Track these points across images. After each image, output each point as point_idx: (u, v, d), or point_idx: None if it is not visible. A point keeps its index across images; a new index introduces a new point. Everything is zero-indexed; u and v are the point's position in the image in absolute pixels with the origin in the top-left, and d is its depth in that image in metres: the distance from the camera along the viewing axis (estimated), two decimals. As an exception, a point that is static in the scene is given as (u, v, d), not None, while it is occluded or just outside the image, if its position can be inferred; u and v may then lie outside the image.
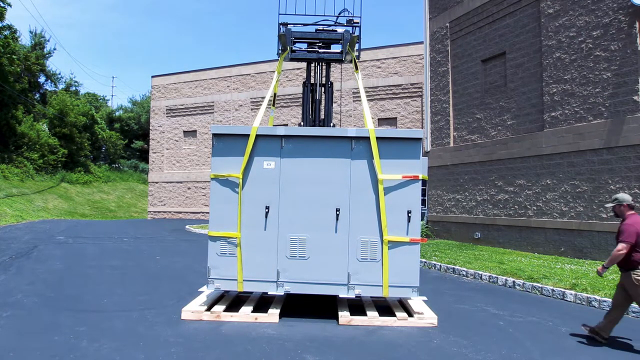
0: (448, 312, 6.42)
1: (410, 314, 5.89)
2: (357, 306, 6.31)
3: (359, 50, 7.37)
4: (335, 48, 7.15)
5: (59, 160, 33.95)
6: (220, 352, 4.59)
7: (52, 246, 12.86)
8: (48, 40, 41.18)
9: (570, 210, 11.32)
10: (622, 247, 4.85)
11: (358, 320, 5.68)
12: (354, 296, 5.89)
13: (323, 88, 7.41)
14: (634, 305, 6.44)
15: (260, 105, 26.23)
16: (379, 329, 5.51)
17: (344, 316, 5.73)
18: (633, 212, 5.10)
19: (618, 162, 10.31)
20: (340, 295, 5.88)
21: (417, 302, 6.22)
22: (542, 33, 12.16)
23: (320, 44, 7.12)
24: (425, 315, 5.76)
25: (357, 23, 7.12)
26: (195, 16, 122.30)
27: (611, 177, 10.43)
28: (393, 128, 21.89)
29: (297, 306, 6.47)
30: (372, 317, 5.72)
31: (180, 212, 28.56)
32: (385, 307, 6.24)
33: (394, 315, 5.81)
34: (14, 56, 30.05)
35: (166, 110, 29.21)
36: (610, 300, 6.76)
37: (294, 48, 7.01)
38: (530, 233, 12.32)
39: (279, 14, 7.09)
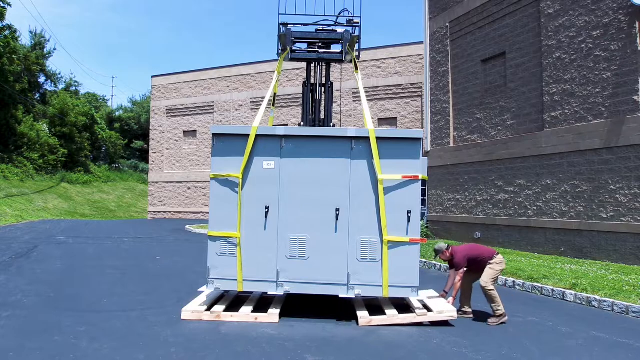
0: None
1: (429, 310, 5.85)
2: (372, 306, 6.25)
3: (359, 50, 7.36)
4: (335, 48, 7.14)
5: (59, 160, 33.97)
6: (220, 352, 4.59)
7: (52, 246, 12.87)
8: (48, 40, 41.24)
9: (570, 210, 11.32)
10: (459, 279, 5.89)
11: (378, 320, 5.64)
12: (354, 296, 5.90)
13: (323, 88, 7.40)
14: (635, 305, 6.49)
15: (260, 105, 26.19)
16: (379, 329, 5.51)
17: (364, 317, 5.68)
18: (450, 248, 6.07)
19: (618, 162, 10.31)
20: (340, 296, 5.88)
21: (437, 302, 6.15)
22: (542, 33, 12.16)
23: (320, 44, 7.11)
24: (430, 314, 5.73)
25: (357, 23, 7.11)
26: (195, 16, 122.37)
27: (611, 177, 10.43)
28: (393, 128, 21.89)
29: (297, 306, 6.47)
30: (392, 315, 5.67)
31: (180, 212, 28.56)
32: (402, 305, 6.18)
33: (413, 312, 5.76)
34: (14, 56, 30.07)
35: (166, 110, 29.21)
36: (610, 300, 6.84)
37: (294, 48, 7.00)
38: (530, 233, 12.32)
39: (279, 14, 7.08)
